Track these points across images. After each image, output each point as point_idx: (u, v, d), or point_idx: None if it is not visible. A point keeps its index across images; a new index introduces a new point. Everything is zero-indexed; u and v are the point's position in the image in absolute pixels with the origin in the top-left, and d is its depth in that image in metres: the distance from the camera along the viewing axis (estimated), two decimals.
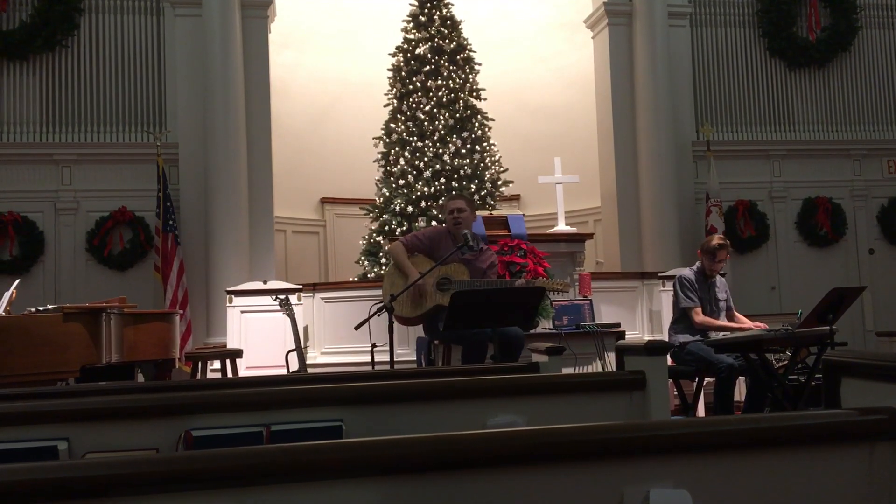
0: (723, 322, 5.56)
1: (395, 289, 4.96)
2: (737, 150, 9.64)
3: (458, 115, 9.08)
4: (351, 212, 10.20)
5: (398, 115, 9.18)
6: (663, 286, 7.42)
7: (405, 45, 9.34)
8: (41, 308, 5.30)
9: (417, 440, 1.56)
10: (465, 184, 8.74)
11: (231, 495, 1.42)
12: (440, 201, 8.66)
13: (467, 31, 9.50)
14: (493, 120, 9.44)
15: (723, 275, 5.98)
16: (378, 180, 9.18)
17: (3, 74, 8.44)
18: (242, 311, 7.08)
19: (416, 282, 4.92)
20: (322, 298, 7.36)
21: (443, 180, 8.74)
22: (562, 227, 8.16)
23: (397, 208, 8.69)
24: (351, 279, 8.80)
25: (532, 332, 5.61)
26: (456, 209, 5.31)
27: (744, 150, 9.67)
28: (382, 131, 9.27)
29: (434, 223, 8.23)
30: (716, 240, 5.62)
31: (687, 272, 5.63)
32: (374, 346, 5.41)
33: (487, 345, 4.80)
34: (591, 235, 8.11)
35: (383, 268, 8.44)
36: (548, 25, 10.68)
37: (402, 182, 8.85)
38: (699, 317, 5.43)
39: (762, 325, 5.56)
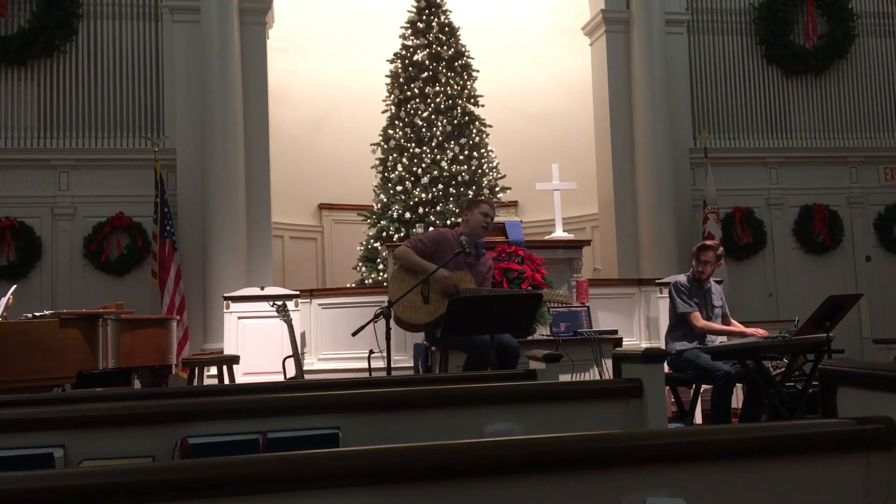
0: (724, 327, 5.56)
1: (404, 291, 4.89)
2: (734, 157, 9.66)
3: (455, 121, 9.10)
4: (349, 218, 10.20)
5: (396, 122, 9.19)
6: (661, 293, 7.43)
7: (403, 52, 9.36)
8: (38, 314, 5.29)
9: (414, 448, 1.55)
10: (463, 190, 8.75)
11: None
12: (438, 207, 8.66)
13: (465, 38, 9.53)
14: (490, 126, 9.46)
15: (719, 282, 5.97)
16: (376, 186, 9.19)
17: (1, 80, 8.44)
18: (239, 317, 7.07)
19: (431, 275, 4.85)
20: (319, 304, 7.35)
21: (440, 186, 8.75)
22: (559, 233, 8.16)
23: (395, 214, 8.69)
24: (348, 285, 8.80)
25: (529, 338, 5.60)
26: (492, 216, 5.25)
27: (741, 157, 9.69)
28: (380, 137, 9.28)
29: (432, 229, 8.23)
30: (705, 243, 5.65)
31: (681, 278, 5.64)
32: (371, 352, 5.41)
33: (489, 352, 4.78)
34: (588, 242, 8.09)
35: (381, 274, 8.44)
36: (546, 32, 10.70)
37: (399, 188, 8.85)
38: (699, 321, 5.43)
39: (762, 331, 5.54)
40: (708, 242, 5.71)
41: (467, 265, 5.09)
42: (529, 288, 5.82)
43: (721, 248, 5.90)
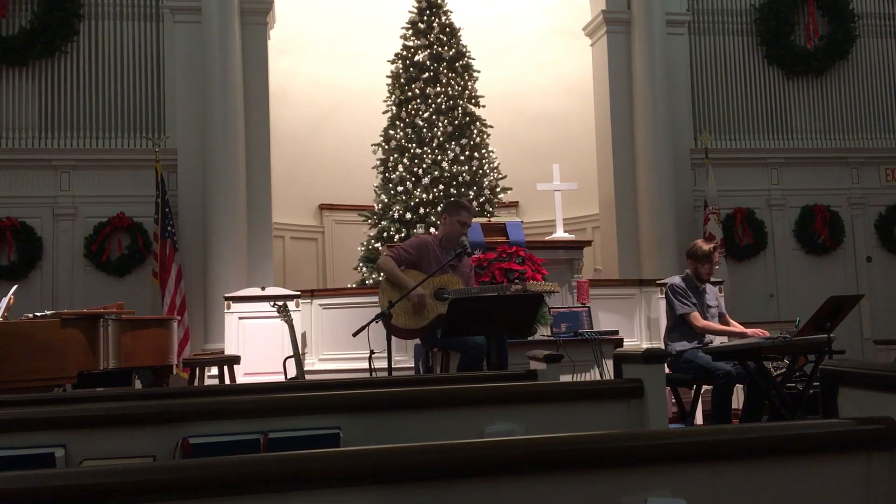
0: (725, 327, 5.56)
1: (394, 300, 4.92)
2: (735, 157, 9.66)
3: (456, 121, 9.10)
4: (349, 218, 10.20)
5: (397, 122, 9.19)
6: (661, 294, 7.42)
7: (404, 52, 9.36)
8: (39, 314, 5.30)
9: (415, 448, 1.55)
10: (464, 190, 8.75)
11: None
12: (439, 207, 8.66)
13: (466, 39, 9.53)
14: (491, 127, 9.46)
15: (719, 283, 5.94)
16: (377, 187, 9.19)
17: (2, 80, 8.44)
18: (240, 318, 7.07)
19: (412, 291, 4.90)
20: (320, 305, 7.36)
21: (441, 187, 8.75)
22: (560, 234, 8.16)
23: (396, 215, 8.70)
24: (349, 286, 8.80)
25: (530, 339, 5.61)
26: (469, 225, 5.35)
27: (742, 158, 9.69)
28: (381, 138, 9.28)
29: (433, 230, 8.23)
30: (708, 244, 5.62)
31: (677, 280, 5.62)
32: (372, 352, 5.41)
33: (485, 353, 4.79)
34: (589, 243, 8.11)
35: (381, 274, 8.43)
36: (546, 33, 10.71)
37: (400, 188, 8.86)
38: (699, 321, 5.42)
39: (764, 332, 5.53)
40: (711, 244, 5.66)
41: (451, 267, 5.14)
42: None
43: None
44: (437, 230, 5.79)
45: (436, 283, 5.06)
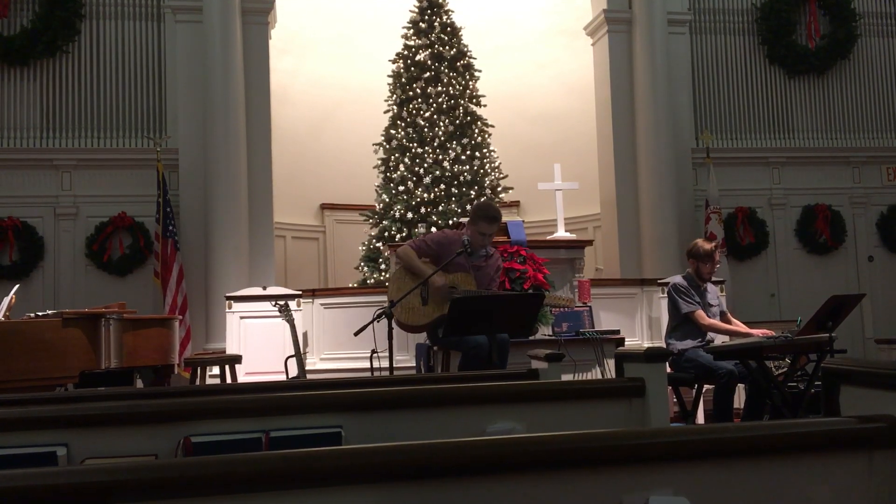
0: (731, 326, 5.55)
1: (403, 292, 4.87)
2: (736, 157, 9.65)
3: (457, 121, 9.10)
4: (351, 218, 10.21)
5: (398, 122, 9.20)
6: (662, 293, 7.42)
7: (405, 52, 9.37)
8: (40, 313, 5.30)
9: (417, 447, 1.55)
10: (465, 190, 8.76)
11: (230, 502, 1.42)
12: (440, 207, 8.67)
13: (467, 38, 9.54)
14: (492, 126, 9.46)
15: (720, 282, 5.94)
16: (378, 186, 9.19)
17: (4, 80, 8.45)
18: (242, 317, 7.07)
19: (426, 280, 4.83)
20: (321, 304, 7.36)
21: (442, 186, 8.76)
22: (561, 233, 8.16)
23: (397, 214, 8.70)
24: (350, 285, 8.81)
25: (531, 338, 5.60)
26: (491, 234, 5.09)
27: (743, 158, 9.69)
28: (382, 137, 9.28)
29: (434, 229, 8.23)
30: (709, 243, 5.63)
31: (679, 279, 5.61)
32: (373, 352, 5.41)
33: (486, 353, 4.77)
34: (590, 242, 8.10)
35: (383, 274, 8.44)
36: (548, 32, 10.70)
37: (401, 188, 8.86)
38: (705, 319, 5.41)
39: (769, 331, 5.52)
40: (712, 244, 5.67)
41: (474, 267, 5.06)
42: (531, 288, 5.83)
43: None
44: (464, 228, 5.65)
45: (449, 281, 4.99)
